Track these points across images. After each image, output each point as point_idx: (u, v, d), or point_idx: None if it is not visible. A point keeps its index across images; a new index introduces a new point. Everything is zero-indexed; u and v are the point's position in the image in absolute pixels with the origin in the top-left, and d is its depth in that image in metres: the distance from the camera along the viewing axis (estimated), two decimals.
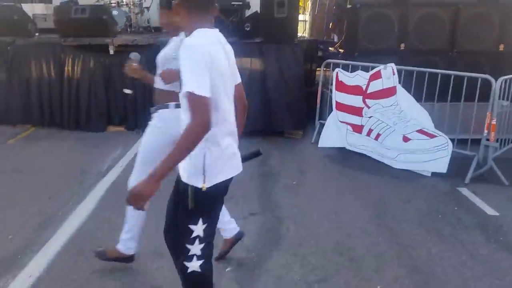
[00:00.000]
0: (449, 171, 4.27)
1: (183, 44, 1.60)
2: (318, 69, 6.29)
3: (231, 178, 1.78)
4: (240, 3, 7.54)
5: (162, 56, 2.52)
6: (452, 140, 4.42)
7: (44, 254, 2.76)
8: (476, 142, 4.37)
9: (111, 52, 5.51)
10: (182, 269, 1.79)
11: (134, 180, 2.29)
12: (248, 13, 7.68)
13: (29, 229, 3.10)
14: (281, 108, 5.69)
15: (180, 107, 1.71)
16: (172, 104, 2.40)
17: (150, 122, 2.52)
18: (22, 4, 6.82)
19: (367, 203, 3.71)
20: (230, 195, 3.53)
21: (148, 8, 9.56)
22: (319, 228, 3.23)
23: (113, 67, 5.51)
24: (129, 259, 2.58)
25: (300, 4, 17.97)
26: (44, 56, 5.52)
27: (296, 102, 5.70)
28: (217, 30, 1.75)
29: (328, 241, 3.04)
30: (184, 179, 1.68)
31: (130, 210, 2.45)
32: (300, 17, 13.70)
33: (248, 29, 5.94)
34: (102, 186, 3.90)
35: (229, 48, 1.79)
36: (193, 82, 1.51)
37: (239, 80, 1.88)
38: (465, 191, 4.04)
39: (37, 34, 5.99)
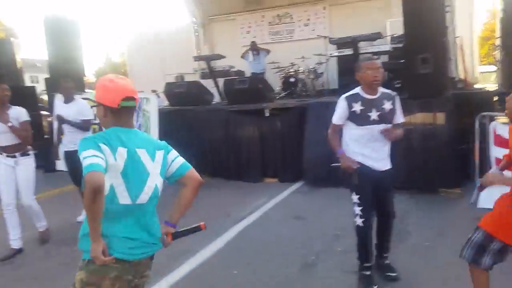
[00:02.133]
0: None
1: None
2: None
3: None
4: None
5: None
6: None
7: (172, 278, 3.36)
8: None
9: (266, 114, 6.28)
10: None
11: None
12: None
13: (163, 257, 3.76)
14: (431, 165, 5.31)
15: None
16: None
17: None
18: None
19: None
20: (350, 249, 3.54)
21: (322, 73, 10.44)
22: None
23: (267, 127, 6.26)
24: None
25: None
26: (216, 119, 6.70)
27: (448, 159, 5.24)
28: None
29: None
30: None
31: None
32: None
33: (398, 85, 5.91)
34: (236, 229, 4.42)
35: None
36: None
37: None
38: None
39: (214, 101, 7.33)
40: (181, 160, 2.04)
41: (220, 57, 9.27)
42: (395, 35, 9.50)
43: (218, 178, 6.75)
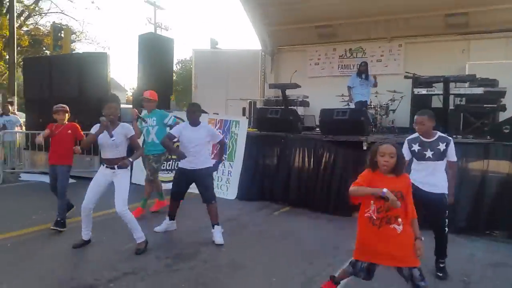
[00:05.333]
0: None
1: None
2: None
3: None
4: (495, 105, 7.37)
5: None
6: None
7: None
8: None
9: (364, 147, 6.18)
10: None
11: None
12: (504, 115, 7.42)
13: (295, 284, 3.67)
14: None
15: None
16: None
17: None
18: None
19: None
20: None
21: (394, 110, 10.31)
22: None
23: (363, 160, 6.13)
24: None
25: None
26: (307, 148, 6.66)
27: None
28: None
29: None
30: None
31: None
32: None
33: (507, 131, 5.74)
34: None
35: None
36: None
37: None
38: None
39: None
40: None
41: (296, 86, 9.25)
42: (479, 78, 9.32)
43: (301, 208, 6.59)
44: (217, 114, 10.52)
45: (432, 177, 3.95)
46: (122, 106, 8.99)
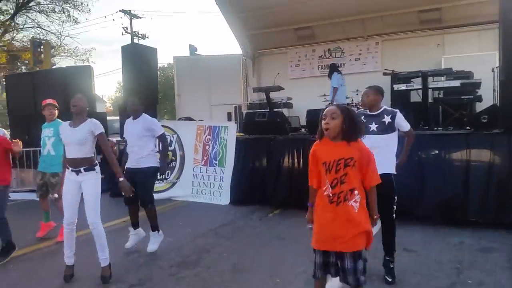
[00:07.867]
0: None
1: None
2: None
3: None
4: (471, 97, 7.69)
5: None
6: None
7: None
8: None
9: None
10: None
11: None
12: (480, 105, 7.74)
13: (299, 283, 3.82)
14: None
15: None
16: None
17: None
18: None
19: None
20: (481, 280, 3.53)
21: None
22: None
23: None
24: None
25: None
26: (296, 148, 6.82)
27: None
28: None
29: None
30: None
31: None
32: None
33: (485, 120, 6.03)
34: None
35: None
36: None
37: None
38: None
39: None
40: None
41: (280, 88, 9.43)
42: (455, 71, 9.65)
43: (293, 209, 6.63)
44: (202, 120, 10.62)
45: (376, 155, 3.90)
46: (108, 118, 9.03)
